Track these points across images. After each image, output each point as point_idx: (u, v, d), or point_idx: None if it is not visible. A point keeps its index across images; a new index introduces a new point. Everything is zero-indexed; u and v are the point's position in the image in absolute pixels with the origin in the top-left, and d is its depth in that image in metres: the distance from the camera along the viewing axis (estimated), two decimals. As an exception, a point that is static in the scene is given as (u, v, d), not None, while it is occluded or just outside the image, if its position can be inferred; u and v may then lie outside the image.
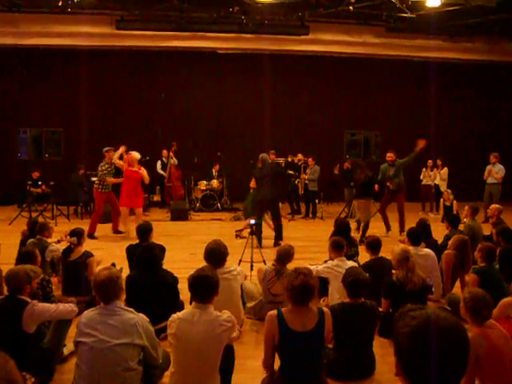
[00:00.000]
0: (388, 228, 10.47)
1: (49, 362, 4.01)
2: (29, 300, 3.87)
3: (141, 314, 3.48)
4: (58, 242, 6.47)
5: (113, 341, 3.26)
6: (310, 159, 13.05)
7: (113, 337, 3.28)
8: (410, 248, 5.41)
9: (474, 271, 5.21)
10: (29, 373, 3.67)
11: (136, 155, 10.28)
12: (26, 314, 3.76)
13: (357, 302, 4.19)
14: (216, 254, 4.96)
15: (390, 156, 10.55)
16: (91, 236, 9.60)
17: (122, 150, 10.46)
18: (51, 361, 4.04)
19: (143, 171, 10.17)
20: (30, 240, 6.29)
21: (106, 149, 10.42)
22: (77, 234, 5.93)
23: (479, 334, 3.36)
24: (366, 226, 9.83)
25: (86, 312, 3.48)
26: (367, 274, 4.43)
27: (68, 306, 4.14)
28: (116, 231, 10.44)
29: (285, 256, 5.47)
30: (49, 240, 6.39)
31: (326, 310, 3.62)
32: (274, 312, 3.54)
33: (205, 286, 3.54)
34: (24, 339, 3.77)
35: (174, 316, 3.54)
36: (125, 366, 3.28)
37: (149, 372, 3.59)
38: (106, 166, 10.26)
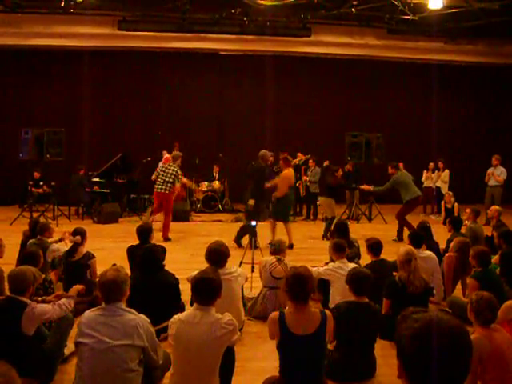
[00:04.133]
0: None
1: (49, 363, 4.00)
2: (28, 301, 3.86)
3: (142, 315, 3.47)
4: (60, 240, 6.47)
5: (113, 342, 3.26)
6: (310, 161, 13.04)
7: (113, 338, 3.27)
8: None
9: (473, 276, 5.21)
10: (29, 377, 3.66)
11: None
12: (24, 316, 3.75)
13: (362, 301, 4.19)
14: (217, 254, 4.97)
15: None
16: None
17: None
18: (52, 362, 4.04)
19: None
20: (31, 240, 6.29)
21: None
22: (79, 233, 5.92)
23: (484, 335, 3.36)
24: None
25: (86, 312, 3.46)
26: (368, 270, 4.44)
27: (62, 304, 4.17)
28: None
29: (278, 246, 5.83)
30: (49, 240, 6.40)
31: (328, 313, 3.61)
32: (276, 314, 3.54)
33: (207, 289, 3.53)
34: (23, 341, 3.77)
35: (176, 317, 3.53)
36: (125, 367, 3.27)
37: (149, 373, 3.59)
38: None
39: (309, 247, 9.50)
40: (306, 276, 3.55)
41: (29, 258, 4.94)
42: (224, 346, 3.47)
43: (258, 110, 16.09)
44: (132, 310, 3.46)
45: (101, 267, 6.18)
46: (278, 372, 3.54)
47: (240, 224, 10.16)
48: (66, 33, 14.09)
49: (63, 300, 4.24)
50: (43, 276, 4.82)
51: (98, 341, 3.27)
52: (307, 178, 12.94)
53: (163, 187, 10.10)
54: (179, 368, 3.47)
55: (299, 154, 13.42)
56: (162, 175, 10.17)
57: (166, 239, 9.98)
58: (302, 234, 10.79)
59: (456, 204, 11.48)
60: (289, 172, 9.48)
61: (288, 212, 9.37)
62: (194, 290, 3.58)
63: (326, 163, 12.27)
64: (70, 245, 6.02)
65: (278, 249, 5.83)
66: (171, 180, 10.10)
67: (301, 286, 3.50)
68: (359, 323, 4.05)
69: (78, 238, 5.84)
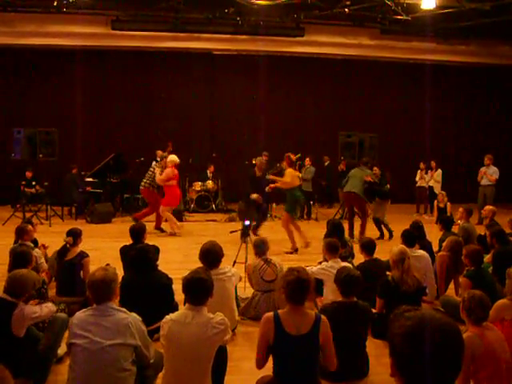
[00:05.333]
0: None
1: (42, 364, 3.99)
2: (17, 302, 3.85)
3: (133, 314, 3.46)
4: (38, 247, 6.46)
5: (105, 342, 3.25)
6: (307, 159, 13.03)
7: (105, 338, 3.26)
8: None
9: (465, 275, 5.23)
10: (22, 378, 3.65)
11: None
12: (14, 317, 3.74)
13: (349, 301, 4.20)
14: (211, 255, 4.96)
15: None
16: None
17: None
18: (45, 363, 4.02)
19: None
20: (14, 245, 6.26)
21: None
22: (73, 233, 5.90)
23: (476, 334, 3.37)
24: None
25: (77, 313, 3.46)
26: (358, 272, 4.46)
27: (50, 306, 4.20)
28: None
29: (261, 245, 5.75)
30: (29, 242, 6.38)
31: (323, 317, 3.60)
32: (270, 314, 3.54)
33: (199, 288, 3.53)
34: (14, 342, 3.76)
35: (167, 317, 3.54)
36: (118, 367, 3.26)
37: (143, 373, 3.59)
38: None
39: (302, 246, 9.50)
40: (307, 280, 3.55)
41: (20, 258, 4.92)
42: (216, 345, 3.47)
43: (251, 109, 16.08)
44: (123, 309, 3.45)
45: (94, 267, 6.18)
46: (271, 372, 3.54)
47: (233, 223, 10.20)
48: (58, 32, 14.02)
49: (48, 303, 4.27)
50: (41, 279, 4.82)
51: (90, 341, 3.26)
52: (300, 175, 12.86)
53: (141, 183, 11.05)
54: (171, 368, 3.47)
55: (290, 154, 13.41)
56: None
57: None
58: (296, 234, 10.77)
59: (448, 203, 11.52)
60: (292, 171, 9.44)
61: (293, 208, 9.35)
62: (186, 289, 3.58)
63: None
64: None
65: (262, 249, 5.77)
66: (147, 177, 10.94)
67: (302, 289, 3.50)
68: (348, 323, 4.04)
69: (70, 238, 5.82)
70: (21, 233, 6.34)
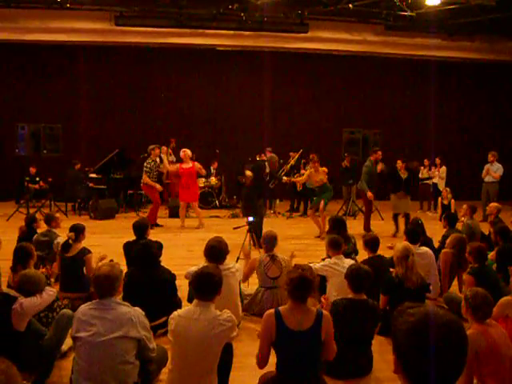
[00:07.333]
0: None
1: (46, 358, 4.00)
2: (16, 295, 3.86)
3: (136, 308, 3.49)
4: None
5: (109, 335, 3.28)
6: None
7: (109, 331, 3.30)
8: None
9: (469, 272, 5.21)
10: (25, 372, 3.66)
11: (188, 152, 11.07)
12: (13, 312, 3.75)
13: (359, 298, 4.19)
14: (216, 251, 4.95)
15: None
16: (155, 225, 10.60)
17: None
18: (49, 357, 4.03)
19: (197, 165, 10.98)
20: (40, 232, 6.37)
21: (151, 147, 11.08)
22: (76, 229, 5.89)
23: (479, 330, 3.36)
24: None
25: (82, 306, 3.49)
26: (367, 267, 4.45)
27: (49, 292, 4.19)
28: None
29: (269, 241, 5.70)
30: (57, 230, 6.48)
31: (325, 312, 3.59)
32: (271, 311, 3.54)
33: (208, 284, 3.53)
34: (16, 337, 3.77)
35: (175, 313, 3.54)
36: (122, 360, 3.30)
37: (146, 367, 3.60)
38: (152, 163, 10.91)
39: (305, 243, 9.50)
40: (310, 279, 3.54)
41: (21, 252, 4.95)
42: (222, 342, 3.47)
43: (255, 105, 16.07)
44: (126, 303, 3.49)
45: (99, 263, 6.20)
46: (274, 368, 3.54)
47: (236, 220, 10.19)
48: (62, 28, 14.02)
49: (46, 288, 4.26)
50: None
51: (94, 334, 3.29)
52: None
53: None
54: (177, 364, 3.47)
55: (292, 154, 13.41)
56: None
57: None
58: (299, 230, 10.80)
59: (452, 200, 11.45)
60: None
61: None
62: (195, 285, 3.57)
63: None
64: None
65: (270, 245, 5.75)
66: (143, 173, 10.84)
67: (304, 288, 3.49)
68: (357, 320, 4.04)
69: (72, 234, 5.82)
70: (49, 220, 6.44)
